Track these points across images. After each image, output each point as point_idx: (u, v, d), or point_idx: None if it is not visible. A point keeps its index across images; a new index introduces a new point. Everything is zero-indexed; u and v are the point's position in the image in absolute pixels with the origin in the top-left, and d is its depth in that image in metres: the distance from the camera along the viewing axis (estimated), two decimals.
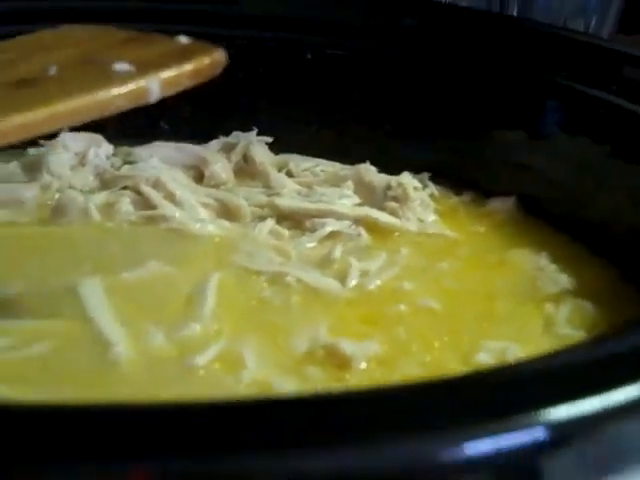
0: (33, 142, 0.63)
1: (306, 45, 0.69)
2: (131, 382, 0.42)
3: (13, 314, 0.46)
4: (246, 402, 0.30)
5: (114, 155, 0.63)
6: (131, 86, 0.42)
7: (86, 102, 0.40)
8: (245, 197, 0.59)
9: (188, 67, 0.44)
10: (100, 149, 0.62)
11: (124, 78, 0.42)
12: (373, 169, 0.62)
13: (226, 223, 0.57)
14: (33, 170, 0.59)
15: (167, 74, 0.43)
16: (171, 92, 0.44)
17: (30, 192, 0.57)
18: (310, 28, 0.70)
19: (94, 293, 0.47)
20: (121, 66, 0.43)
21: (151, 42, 0.47)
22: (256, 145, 0.65)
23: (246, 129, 0.66)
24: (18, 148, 0.63)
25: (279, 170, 0.64)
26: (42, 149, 0.61)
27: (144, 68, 0.43)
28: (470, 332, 0.47)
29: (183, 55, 0.45)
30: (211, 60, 0.46)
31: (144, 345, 0.44)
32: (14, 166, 0.60)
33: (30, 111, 0.39)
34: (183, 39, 0.47)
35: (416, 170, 0.63)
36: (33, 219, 0.56)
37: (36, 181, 0.58)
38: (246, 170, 0.64)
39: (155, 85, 0.42)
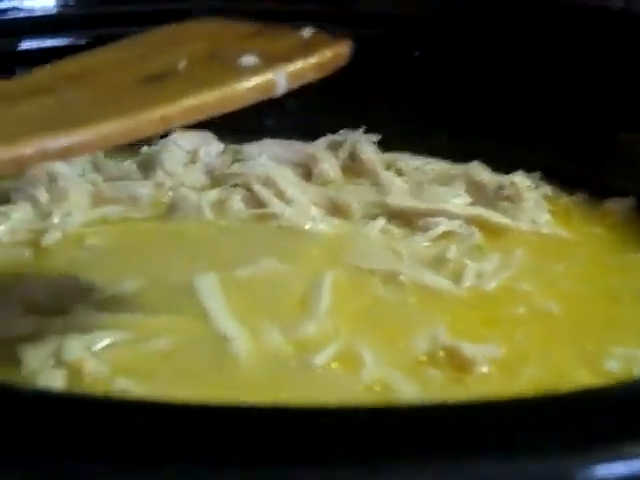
0: (146, 140, 0.65)
1: (414, 42, 0.68)
2: (250, 379, 0.42)
3: (132, 310, 0.46)
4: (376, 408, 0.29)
5: (223, 152, 0.64)
6: (258, 79, 0.41)
7: (215, 97, 0.40)
8: (354, 195, 0.59)
9: (313, 60, 0.44)
10: (210, 147, 0.63)
11: (251, 72, 0.42)
12: (484, 168, 0.61)
13: (336, 221, 0.56)
14: (147, 168, 0.60)
15: (293, 67, 0.43)
16: (295, 85, 0.43)
17: (145, 189, 0.58)
18: (418, 25, 0.69)
19: (211, 290, 0.48)
20: (247, 59, 0.43)
21: (276, 35, 0.47)
22: (364, 143, 0.64)
23: (353, 127, 0.66)
24: (132, 146, 0.64)
25: (387, 168, 0.63)
26: (155, 147, 0.62)
27: (270, 61, 0.43)
28: (593, 337, 0.46)
29: (308, 48, 0.45)
30: (335, 53, 0.45)
31: (262, 342, 0.44)
32: (129, 164, 0.61)
33: (160, 107, 0.39)
34: (307, 31, 0.46)
35: (528, 169, 0.62)
36: (148, 216, 0.57)
37: (150, 179, 0.59)
38: (354, 168, 0.63)
39: (282, 78, 0.42)
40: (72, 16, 0.65)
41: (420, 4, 0.69)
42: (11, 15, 0.63)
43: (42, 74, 0.44)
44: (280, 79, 0.42)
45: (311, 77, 0.44)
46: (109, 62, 0.45)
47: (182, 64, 0.43)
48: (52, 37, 0.64)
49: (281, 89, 0.42)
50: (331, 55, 0.45)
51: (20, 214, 0.53)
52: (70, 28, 0.65)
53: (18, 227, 0.53)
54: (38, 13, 0.64)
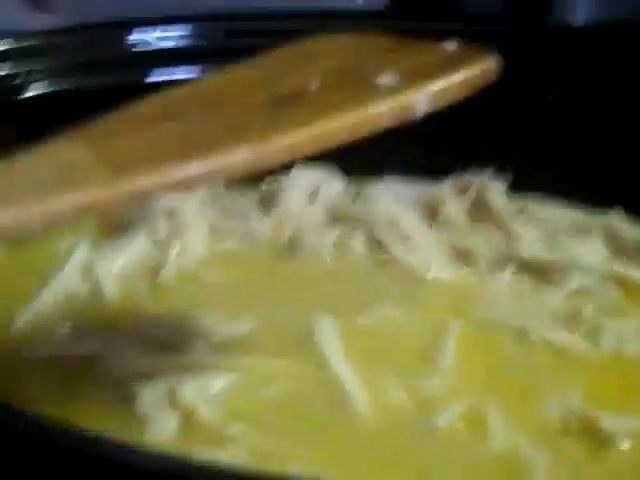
0: (267, 174, 0.64)
1: (549, 85, 0.65)
2: (369, 437, 0.39)
3: (247, 352, 0.44)
4: None
5: (345, 190, 0.62)
6: (397, 101, 0.38)
7: (349, 121, 0.37)
8: (480, 243, 0.56)
9: (458, 77, 0.39)
10: (332, 184, 0.61)
11: (389, 92, 0.38)
12: (624, 219, 0.56)
13: (462, 270, 0.53)
14: (267, 205, 0.59)
15: (435, 86, 0.38)
16: (439, 106, 0.39)
17: (264, 227, 0.56)
18: (552, 69, 0.66)
19: (329, 336, 0.45)
20: (385, 78, 0.38)
21: (416, 50, 0.43)
22: (491, 188, 0.61)
23: (481, 167, 0.63)
24: (252, 181, 0.63)
25: (516, 215, 0.60)
26: (275, 184, 0.61)
27: (410, 80, 0.39)
28: None
29: (452, 64, 0.40)
30: (482, 68, 0.40)
31: (382, 396, 0.42)
32: (248, 200, 0.60)
33: (288, 133, 0.36)
34: (451, 45, 0.43)
35: None
36: (266, 255, 0.55)
37: (269, 216, 0.58)
38: (480, 214, 0.60)
39: (422, 99, 0.38)
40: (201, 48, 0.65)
41: (559, 47, 0.66)
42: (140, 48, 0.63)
43: (170, 98, 0.42)
44: (422, 100, 0.38)
45: (456, 97, 0.39)
46: (237, 84, 0.42)
47: (314, 84, 0.40)
48: (181, 69, 0.64)
49: (423, 111, 0.38)
50: (478, 71, 0.40)
51: (139, 247, 0.53)
52: (199, 61, 0.64)
53: (137, 260, 0.52)
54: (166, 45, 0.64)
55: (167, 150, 0.36)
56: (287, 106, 0.39)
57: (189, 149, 0.36)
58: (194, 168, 0.35)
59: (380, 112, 0.38)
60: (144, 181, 0.34)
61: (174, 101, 0.41)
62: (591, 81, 0.65)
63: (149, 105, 0.41)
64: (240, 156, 0.35)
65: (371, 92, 0.38)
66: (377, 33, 0.46)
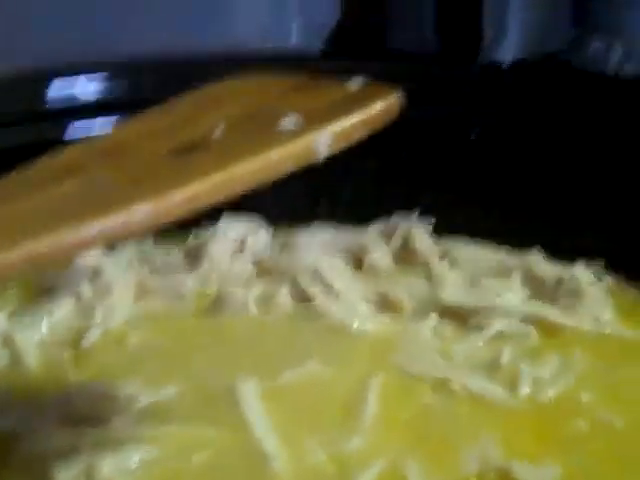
0: (196, 222, 0.64)
1: (471, 123, 0.66)
2: None
3: (170, 419, 0.45)
4: None
5: (272, 239, 0.62)
6: (297, 144, 0.37)
7: (253, 167, 0.37)
8: (406, 289, 0.57)
9: (359, 116, 0.39)
10: (259, 235, 0.62)
11: (290, 136, 0.38)
12: (542, 260, 0.58)
13: (386, 319, 0.54)
14: (194, 258, 0.59)
15: (335, 127, 0.38)
16: (342, 145, 0.38)
17: (190, 282, 0.57)
18: (475, 105, 0.67)
19: (251, 398, 0.46)
20: (287, 121, 0.38)
21: (320, 89, 0.42)
22: (417, 231, 0.62)
23: (408, 209, 0.64)
24: (180, 234, 0.63)
25: (441, 257, 0.61)
26: (202, 236, 0.61)
27: (311, 122, 0.38)
28: None
29: (354, 102, 0.40)
30: (385, 105, 0.40)
31: (302, 460, 0.42)
32: (175, 255, 0.60)
33: (192, 182, 0.36)
34: (355, 82, 0.42)
35: (589, 257, 0.59)
36: (192, 310, 0.56)
37: (196, 270, 0.58)
38: (406, 258, 0.61)
39: (323, 140, 0.38)
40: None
41: (474, 84, 0.67)
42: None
43: (72, 153, 0.41)
44: (323, 141, 0.38)
45: (358, 135, 0.39)
46: (140, 134, 0.42)
47: (217, 131, 0.39)
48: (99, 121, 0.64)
49: (323, 152, 0.38)
50: (380, 108, 0.40)
51: (63, 311, 0.53)
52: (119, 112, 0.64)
53: (60, 325, 0.52)
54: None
55: (66, 210, 0.35)
56: (190, 155, 0.38)
57: (89, 207, 0.35)
58: (94, 227, 0.34)
59: (282, 157, 0.37)
60: (40, 246, 0.34)
61: (72, 157, 0.40)
62: (513, 119, 0.66)
63: (50, 162, 0.40)
64: (142, 211, 0.35)
65: (273, 137, 0.38)
66: (283, 74, 0.45)
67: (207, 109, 0.43)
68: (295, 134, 0.39)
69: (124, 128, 0.44)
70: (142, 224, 0.36)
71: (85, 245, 0.35)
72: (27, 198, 0.37)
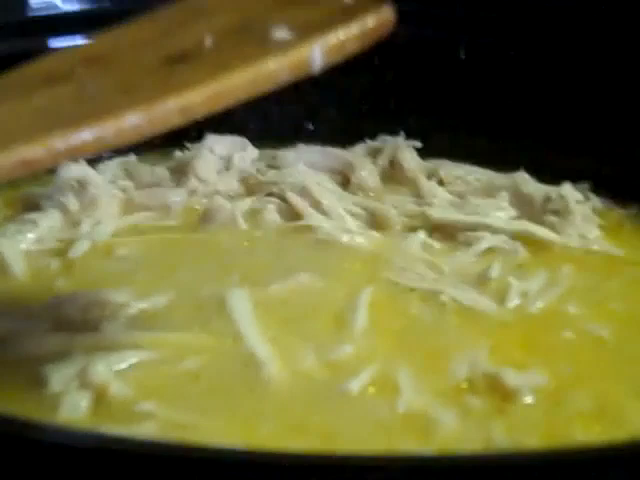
0: (179, 144, 0.63)
1: (460, 43, 0.65)
2: (281, 403, 0.40)
3: (161, 326, 0.45)
4: None
5: (259, 159, 0.62)
6: (291, 56, 0.37)
7: (245, 78, 0.36)
8: (394, 206, 0.57)
9: (352, 29, 0.38)
10: (245, 153, 0.61)
11: (284, 46, 0.37)
12: (530, 179, 0.58)
13: (375, 234, 0.54)
14: (180, 174, 0.59)
15: (330, 39, 0.37)
16: (335, 59, 0.38)
17: (178, 197, 0.56)
18: (465, 25, 0.66)
19: (243, 307, 0.46)
20: (280, 32, 0.38)
21: (312, 2, 0.41)
22: (404, 150, 0.62)
23: (393, 133, 0.64)
24: (165, 148, 0.63)
25: (429, 177, 0.61)
26: (188, 153, 0.61)
27: (305, 33, 0.38)
28: None
29: (348, 15, 0.39)
30: (378, 19, 0.39)
31: (294, 365, 0.42)
32: (161, 170, 0.59)
33: (183, 92, 0.35)
34: None
35: (575, 179, 0.59)
36: (180, 224, 0.55)
37: (183, 186, 0.57)
38: (393, 176, 0.61)
39: (318, 53, 0.37)
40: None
41: (467, 3, 0.67)
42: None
43: (58, 59, 0.40)
44: (316, 54, 0.37)
45: (352, 49, 0.38)
46: (129, 43, 0.41)
47: (209, 40, 0.39)
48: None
49: (318, 65, 0.37)
50: (374, 22, 0.39)
51: (49, 222, 0.52)
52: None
53: (47, 236, 0.51)
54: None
55: (55, 115, 0.35)
56: (180, 65, 0.37)
57: (78, 114, 0.35)
58: (84, 134, 0.34)
59: (275, 68, 0.37)
60: (32, 150, 0.33)
61: (62, 63, 0.39)
62: (502, 39, 0.66)
63: (34, 68, 0.39)
64: (132, 119, 0.34)
65: (266, 47, 0.38)
66: None
67: (197, 18, 0.42)
68: (289, 45, 0.38)
69: (112, 36, 0.42)
70: (134, 132, 0.35)
71: (77, 151, 0.34)
72: (17, 103, 0.37)
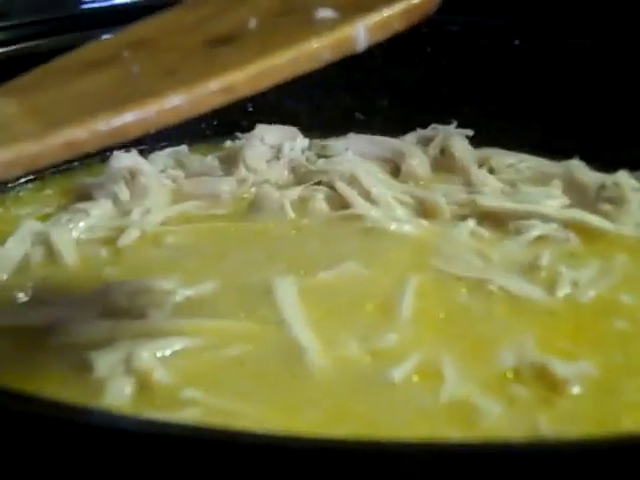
0: (231, 134, 0.64)
1: (514, 30, 0.64)
2: (324, 390, 0.40)
3: (207, 313, 0.45)
4: None
5: (309, 149, 0.62)
6: (337, 35, 0.36)
7: (289, 57, 0.36)
8: (444, 194, 0.56)
9: (398, 8, 0.38)
10: (295, 142, 0.61)
11: (328, 26, 0.37)
12: (584, 166, 0.57)
13: (424, 222, 0.54)
14: (230, 164, 0.59)
15: (375, 17, 0.37)
16: (380, 38, 0.37)
17: (227, 186, 0.57)
18: (518, 11, 0.65)
19: (289, 295, 0.46)
20: (324, 12, 0.37)
21: None
22: (455, 138, 0.61)
23: (446, 122, 0.63)
24: (217, 139, 0.63)
25: (480, 166, 0.60)
26: (239, 142, 0.61)
27: (349, 12, 0.37)
28: None
29: None
30: None
31: (338, 352, 0.42)
32: (211, 159, 0.60)
33: (227, 72, 0.36)
34: None
35: (632, 167, 0.57)
36: (229, 212, 0.55)
37: (233, 175, 0.58)
38: (444, 165, 0.60)
39: (362, 31, 0.37)
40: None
41: None
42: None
43: (104, 45, 0.41)
44: (360, 32, 0.37)
45: (397, 28, 0.38)
46: (173, 27, 0.41)
47: (252, 23, 0.39)
48: None
49: (362, 44, 0.37)
50: (417, 2, 0.39)
51: (100, 211, 0.53)
52: None
53: (97, 225, 0.52)
54: None
55: (100, 99, 0.35)
56: (224, 47, 0.38)
57: (123, 96, 0.35)
58: (129, 115, 0.34)
59: (319, 47, 0.37)
60: (76, 132, 0.34)
61: (106, 49, 0.40)
62: (556, 28, 0.64)
63: (80, 54, 0.39)
64: (176, 101, 0.35)
65: (309, 27, 0.38)
66: None
67: (241, 1, 0.42)
68: (333, 23, 0.38)
69: (156, 20, 0.43)
70: (177, 113, 0.35)
71: (122, 133, 0.35)
72: (65, 87, 0.37)
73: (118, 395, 0.38)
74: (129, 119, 0.34)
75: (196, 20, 0.41)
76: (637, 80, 0.61)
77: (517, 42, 0.63)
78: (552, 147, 0.61)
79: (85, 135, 0.34)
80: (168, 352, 0.41)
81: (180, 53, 0.39)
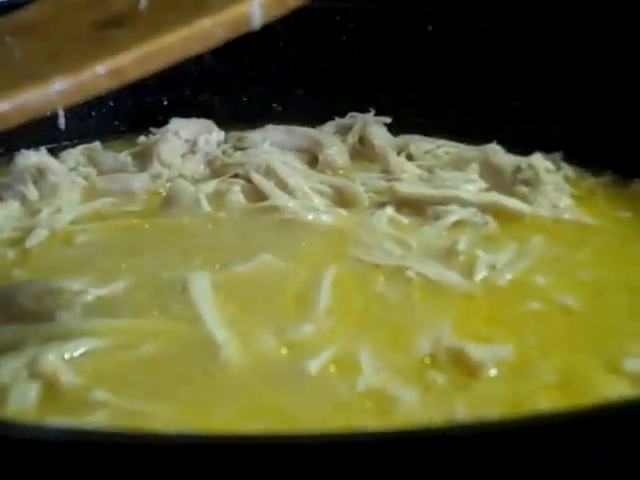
0: (145, 130, 0.62)
1: (427, 16, 0.64)
2: (238, 385, 0.39)
3: (119, 313, 0.44)
4: None
5: (225, 141, 0.61)
6: (231, 12, 0.36)
7: (180, 37, 0.35)
8: (362, 182, 0.56)
9: None
10: (211, 135, 0.60)
11: (222, 3, 0.36)
12: (501, 150, 0.57)
13: (342, 211, 0.53)
14: (144, 159, 0.58)
15: None
16: (276, 14, 0.37)
17: (140, 182, 0.55)
18: None
19: (202, 290, 0.45)
20: None
21: None
22: (374, 126, 0.61)
23: (362, 110, 0.62)
24: (131, 134, 0.62)
25: (399, 153, 0.60)
26: (153, 137, 0.60)
27: None
28: (614, 334, 0.42)
29: None
30: None
31: (253, 347, 0.41)
32: (125, 155, 0.58)
33: (115, 55, 0.35)
34: None
35: (547, 149, 0.58)
36: (143, 209, 0.54)
37: (146, 171, 0.56)
38: (363, 153, 0.60)
39: (257, 8, 0.36)
40: None
41: None
42: None
43: None
44: (255, 9, 0.36)
45: (292, 4, 0.37)
46: (61, 10, 0.40)
47: (143, 2, 0.38)
48: None
49: (258, 20, 0.36)
50: None
51: (6, 212, 0.51)
52: None
53: (3, 225, 0.50)
54: None
55: None
56: (114, 29, 0.37)
57: (4, 81, 0.34)
58: (9, 101, 0.33)
59: (213, 24, 0.36)
60: None
61: None
62: (467, 9, 0.64)
63: None
64: (58, 86, 0.34)
65: (202, 5, 0.37)
66: None
67: None
68: (227, 2, 0.37)
69: (42, 6, 0.41)
70: (62, 97, 0.34)
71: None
72: None
73: (22, 400, 0.37)
74: (6, 107, 0.33)
75: (85, 3, 0.40)
76: (550, 61, 0.61)
77: (430, 28, 0.63)
78: (471, 131, 0.61)
79: None
80: (76, 354, 0.40)
81: (67, 37, 0.37)
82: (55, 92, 0.33)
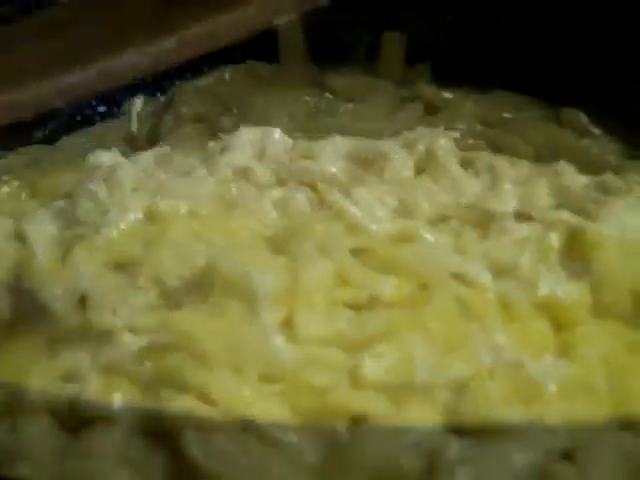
0: (214, 136, 0.63)
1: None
2: None
3: None
4: None
5: (292, 149, 0.61)
6: None
7: (244, 16, 0.37)
8: (425, 195, 0.55)
9: None
10: (278, 143, 0.60)
11: None
12: (571, 169, 0.56)
13: (404, 222, 0.53)
14: (212, 163, 0.58)
15: None
16: None
17: (207, 186, 0.56)
18: None
19: None
20: None
21: None
22: (441, 140, 0.60)
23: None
24: (200, 140, 0.63)
25: (465, 167, 0.59)
26: (221, 143, 0.60)
27: None
28: None
29: None
30: None
31: None
32: (194, 159, 0.59)
33: (181, 30, 0.36)
34: None
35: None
36: (210, 212, 0.55)
37: (214, 175, 0.57)
38: (429, 166, 0.60)
39: None
40: None
41: None
42: None
43: (63, 8, 0.41)
44: None
45: None
46: None
47: None
48: None
49: None
50: None
51: (78, 209, 0.52)
52: None
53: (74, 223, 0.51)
54: None
55: (53, 59, 0.36)
56: (179, 5, 0.38)
57: (76, 55, 0.35)
58: (80, 74, 0.34)
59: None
60: (26, 91, 0.34)
61: (63, 11, 0.40)
62: None
63: (41, 17, 0.40)
64: (130, 58, 0.35)
65: None
66: None
67: None
68: None
69: None
70: (129, 71, 0.35)
71: (69, 93, 0.35)
72: (25, 48, 0.37)
73: None
74: (78, 78, 0.34)
75: None
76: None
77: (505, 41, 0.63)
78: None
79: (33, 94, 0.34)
80: None
81: (134, 12, 0.40)
82: (125, 64, 0.34)
